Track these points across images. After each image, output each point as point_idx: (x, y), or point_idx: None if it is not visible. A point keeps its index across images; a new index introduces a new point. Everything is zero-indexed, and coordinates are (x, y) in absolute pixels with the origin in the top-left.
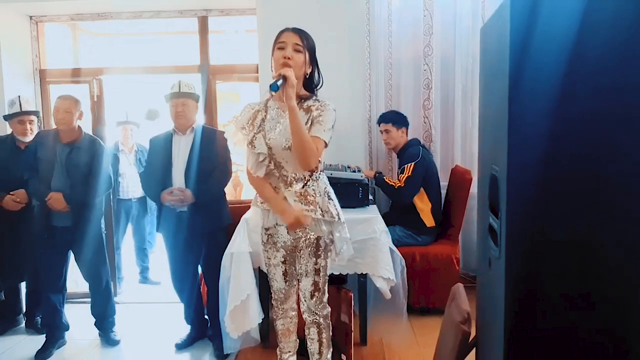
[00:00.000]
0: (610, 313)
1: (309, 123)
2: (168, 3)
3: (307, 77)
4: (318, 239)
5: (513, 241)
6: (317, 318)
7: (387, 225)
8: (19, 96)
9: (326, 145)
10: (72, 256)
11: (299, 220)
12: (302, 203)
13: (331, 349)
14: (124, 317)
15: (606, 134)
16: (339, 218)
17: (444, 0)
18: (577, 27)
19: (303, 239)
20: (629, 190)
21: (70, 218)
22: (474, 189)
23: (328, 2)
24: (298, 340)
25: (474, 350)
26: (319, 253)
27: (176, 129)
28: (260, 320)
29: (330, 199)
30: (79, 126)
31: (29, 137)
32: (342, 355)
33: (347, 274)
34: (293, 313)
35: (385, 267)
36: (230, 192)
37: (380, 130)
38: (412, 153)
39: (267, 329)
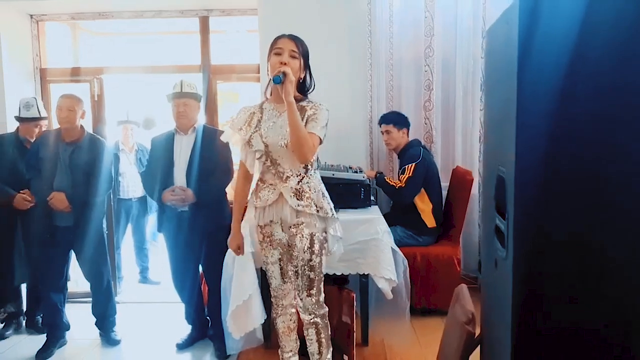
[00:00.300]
0: (616, 313)
1: (304, 122)
2: (169, 3)
3: (301, 81)
4: (312, 235)
5: (520, 242)
6: (315, 318)
7: (388, 226)
8: (35, 98)
9: (321, 141)
10: (72, 256)
11: (237, 247)
12: (297, 198)
13: (331, 349)
14: (124, 317)
15: (614, 135)
16: (333, 214)
17: (445, 1)
18: (584, 30)
19: (298, 236)
20: (635, 190)
21: (72, 217)
22: (474, 189)
23: (329, 3)
24: (299, 340)
25: (477, 351)
26: (314, 250)
27: (178, 129)
28: (263, 321)
29: (324, 195)
30: (81, 125)
31: (34, 138)
32: (344, 355)
33: (349, 274)
34: (292, 310)
35: (387, 268)
36: (229, 192)
37: (381, 131)
38: (413, 154)
39: (268, 329)
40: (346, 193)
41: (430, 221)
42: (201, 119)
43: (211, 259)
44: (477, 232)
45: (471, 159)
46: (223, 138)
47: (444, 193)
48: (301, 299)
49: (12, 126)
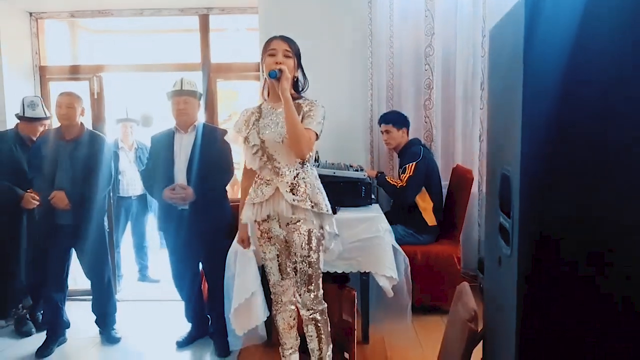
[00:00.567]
0: (621, 310)
1: (301, 118)
2: (169, 1)
3: (295, 80)
4: (309, 232)
5: (525, 240)
6: (314, 314)
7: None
8: (39, 97)
9: (317, 137)
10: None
11: (242, 240)
12: (293, 193)
13: (331, 345)
14: (123, 315)
15: (619, 133)
16: (328, 210)
17: (445, 0)
18: (590, 30)
19: (295, 233)
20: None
21: (74, 215)
22: (474, 188)
23: (330, 2)
24: (299, 337)
25: (479, 348)
26: (311, 246)
27: (178, 127)
28: (265, 318)
29: (319, 191)
30: (81, 122)
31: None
32: (345, 353)
33: (350, 272)
34: (292, 307)
35: (388, 266)
36: (229, 190)
37: (381, 131)
38: (414, 152)
39: (269, 326)
40: (347, 191)
41: (430, 219)
42: (201, 117)
43: (211, 257)
44: (477, 231)
45: (471, 158)
46: (228, 139)
47: (444, 192)
48: (300, 295)
49: (11, 124)
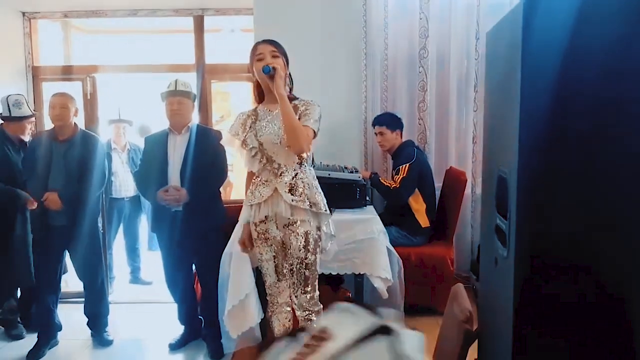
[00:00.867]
0: (617, 311)
1: (298, 118)
2: (164, 1)
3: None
4: (307, 233)
5: (522, 241)
6: (310, 315)
7: None
8: (23, 95)
9: (315, 135)
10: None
11: (243, 242)
12: (291, 194)
13: None
14: (116, 317)
15: (614, 137)
16: (325, 210)
17: (439, 3)
18: (587, 34)
19: (293, 234)
20: (635, 191)
21: (67, 216)
22: (468, 190)
23: (325, 3)
24: None
25: (474, 349)
26: (308, 247)
27: (171, 128)
28: (260, 320)
29: (317, 191)
30: (75, 123)
31: (27, 136)
32: None
33: (345, 274)
34: (288, 309)
35: (383, 267)
36: (223, 192)
37: (375, 133)
38: (407, 154)
39: (264, 328)
40: (342, 193)
41: (424, 221)
42: (195, 119)
43: (205, 259)
44: (470, 233)
45: (465, 160)
46: (224, 143)
47: (437, 193)
48: (296, 297)
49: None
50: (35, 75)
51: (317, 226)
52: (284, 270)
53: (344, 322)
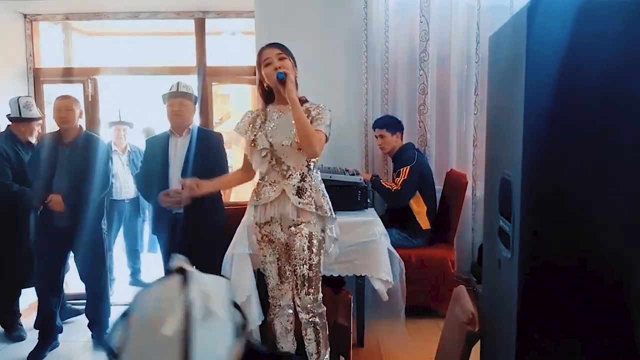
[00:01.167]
0: (622, 316)
1: (310, 122)
2: (165, 4)
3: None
4: (311, 234)
5: (526, 243)
6: (313, 317)
7: None
8: (32, 97)
9: (327, 139)
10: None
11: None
12: (298, 196)
13: (329, 349)
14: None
15: (618, 139)
16: (331, 214)
17: (440, 6)
18: (590, 38)
19: (297, 235)
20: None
21: (72, 218)
22: (469, 192)
23: (326, 6)
24: (296, 341)
25: (476, 351)
26: (312, 249)
27: (172, 130)
28: (260, 322)
29: (323, 195)
30: (79, 125)
31: (34, 139)
32: (341, 357)
33: (346, 275)
34: (290, 311)
35: (384, 270)
36: (223, 194)
37: (375, 136)
38: (408, 157)
39: (263, 331)
40: (343, 195)
41: (424, 223)
42: (195, 121)
43: (205, 261)
44: (471, 235)
45: (465, 162)
46: (229, 141)
47: (438, 196)
48: (300, 298)
49: (4, 126)
50: (37, 77)
51: (321, 228)
52: (287, 273)
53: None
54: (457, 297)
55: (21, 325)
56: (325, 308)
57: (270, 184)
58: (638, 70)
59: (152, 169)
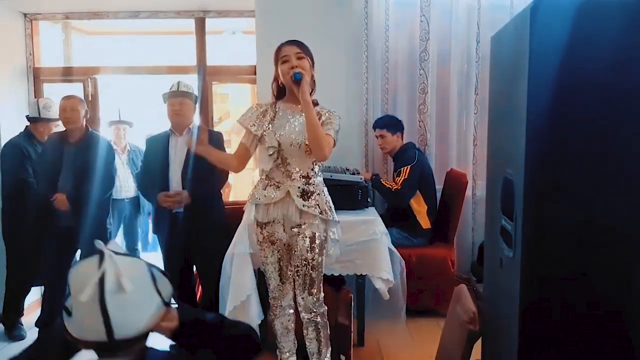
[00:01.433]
0: (621, 312)
1: (320, 124)
2: (165, 3)
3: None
4: (314, 235)
5: (529, 242)
6: (315, 317)
7: None
8: (52, 100)
9: (334, 144)
10: None
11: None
12: (303, 199)
13: (330, 348)
14: None
15: (621, 139)
16: (334, 218)
17: (440, 6)
18: (592, 38)
19: (300, 236)
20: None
21: (78, 217)
22: (469, 191)
23: (326, 5)
24: (296, 340)
25: (477, 349)
26: (315, 249)
27: (173, 129)
28: (260, 321)
29: (326, 198)
30: (85, 125)
31: None
32: (342, 356)
33: (346, 274)
34: (291, 311)
35: (384, 269)
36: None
37: (376, 135)
38: (408, 156)
39: (265, 330)
40: (344, 194)
41: (425, 222)
42: (196, 120)
43: (205, 259)
44: (471, 234)
45: (465, 162)
46: (231, 132)
47: (438, 195)
48: (302, 298)
49: (4, 125)
50: (36, 76)
51: (324, 229)
52: (288, 273)
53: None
54: (458, 296)
55: (22, 324)
56: (326, 307)
57: (275, 184)
58: (639, 68)
59: (152, 169)
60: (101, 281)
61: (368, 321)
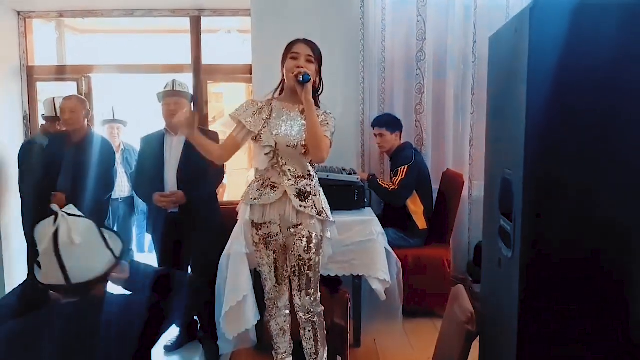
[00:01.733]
0: (623, 315)
1: None
2: (160, 2)
3: (314, 86)
4: (310, 236)
5: (528, 242)
6: (312, 317)
7: None
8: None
9: (330, 145)
10: None
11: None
12: (300, 199)
13: (326, 349)
14: None
15: (620, 139)
16: (330, 218)
17: (437, 6)
18: (592, 39)
19: (297, 236)
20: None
21: None
22: (465, 192)
23: (322, 5)
24: (292, 341)
25: (474, 349)
26: (312, 249)
27: (168, 129)
28: (256, 322)
29: (323, 199)
30: (88, 125)
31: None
32: (338, 357)
33: (343, 275)
34: (287, 312)
35: (381, 269)
36: (219, 192)
37: (375, 134)
38: (406, 156)
39: (261, 331)
40: (341, 195)
41: (421, 223)
42: None
43: (200, 260)
44: (467, 234)
45: (462, 162)
46: (222, 125)
47: (434, 195)
48: (299, 298)
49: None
50: (30, 75)
51: (320, 229)
52: (284, 274)
53: None
54: (455, 296)
55: None
56: (323, 307)
57: (271, 185)
58: (637, 68)
59: (147, 168)
60: (55, 235)
61: (364, 322)
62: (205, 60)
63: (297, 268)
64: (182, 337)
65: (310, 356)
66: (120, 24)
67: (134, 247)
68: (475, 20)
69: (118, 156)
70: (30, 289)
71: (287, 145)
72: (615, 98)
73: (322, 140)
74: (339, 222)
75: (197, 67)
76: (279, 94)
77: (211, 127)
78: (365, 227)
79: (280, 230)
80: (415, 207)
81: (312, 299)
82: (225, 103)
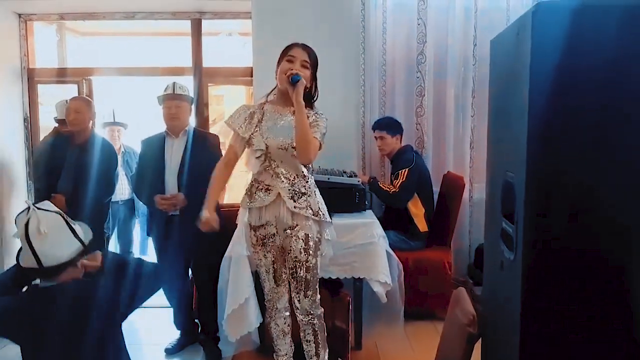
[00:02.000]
0: (625, 317)
1: None
2: (161, 4)
3: (306, 91)
4: (307, 236)
5: (530, 245)
6: (312, 319)
7: None
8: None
9: (320, 147)
10: None
11: (209, 222)
12: (294, 200)
13: (327, 351)
14: None
15: (622, 141)
16: (327, 218)
17: (437, 8)
18: (593, 42)
19: (293, 238)
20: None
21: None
22: (466, 194)
23: (323, 8)
24: (293, 343)
25: (476, 351)
26: (309, 251)
27: (168, 132)
28: (259, 324)
29: (319, 199)
30: (91, 127)
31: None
32: (339, 359)
33: (344, 277)
34: (287, 313)
35: (382, 272)
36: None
37: (375, 137)
38: (406, 159)
39: (262, 332)
40: (341, 197)
41: (422, 226)
42: (191, 122)
43: (201, 263)
44: (468, 237)
45: (462, 165)
46: (220, 133)
47: (435, 198)
48: (298, 301)
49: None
50: (31, 77)
51: (317, 230)
52: (283, 276)
53: None
54: (457, 299)
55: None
56: (322, 309)
57: (265, 187)
58: (638, 69)
59: (148, 171)
60: (26, 225)
61: (365, 324)
62: (206, 62)
63: (294, 270)
64: (182, 340)
65: (311, 358)
66: (121, 26)
67: (135, 249)
68: (476, 23)
69: (119, 159)
70: (19, 271)
71: (279, 148)
72: (617, 99)
73: (309, 142)
74: (340, 224)
75: (198, 69)
76: (273, 98)
77: (211, 130)
78: (366, 229)
79: (277, 232)
80: (416, 210)
81: (311, 300)
82: (226, 106)
